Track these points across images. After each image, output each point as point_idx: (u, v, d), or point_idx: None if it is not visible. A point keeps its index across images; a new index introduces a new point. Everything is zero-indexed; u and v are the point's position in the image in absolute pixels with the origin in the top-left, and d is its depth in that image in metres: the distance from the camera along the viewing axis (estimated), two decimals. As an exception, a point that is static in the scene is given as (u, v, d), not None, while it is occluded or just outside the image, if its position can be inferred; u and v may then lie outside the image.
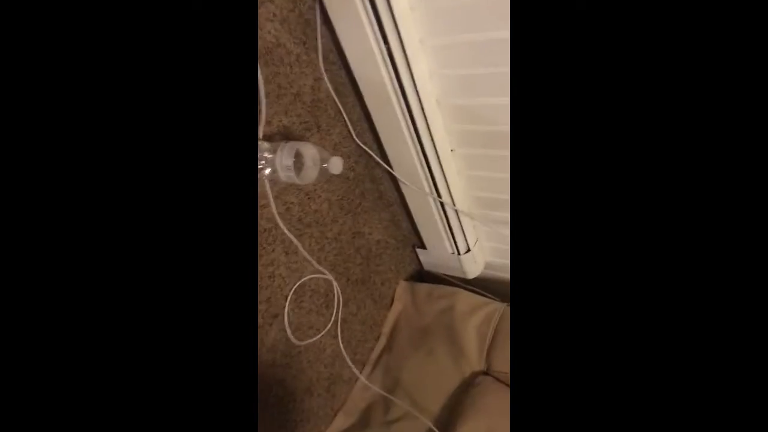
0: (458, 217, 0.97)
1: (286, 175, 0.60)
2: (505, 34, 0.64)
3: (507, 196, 0.90)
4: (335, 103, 0.82)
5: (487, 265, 1.12)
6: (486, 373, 0.90)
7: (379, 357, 1.01)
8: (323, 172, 0.63)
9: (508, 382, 0.86)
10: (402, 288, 1.09)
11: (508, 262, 1.08)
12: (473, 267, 1.08)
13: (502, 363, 0.88)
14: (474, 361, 0.90)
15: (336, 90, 0.81)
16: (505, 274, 1.13)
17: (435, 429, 0.79)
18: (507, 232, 0.98)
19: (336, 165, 0.63)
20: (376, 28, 0.69)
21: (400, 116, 0.80)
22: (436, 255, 1.10)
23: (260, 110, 0.68)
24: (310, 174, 0.62)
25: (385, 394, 0.88)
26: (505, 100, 0.72)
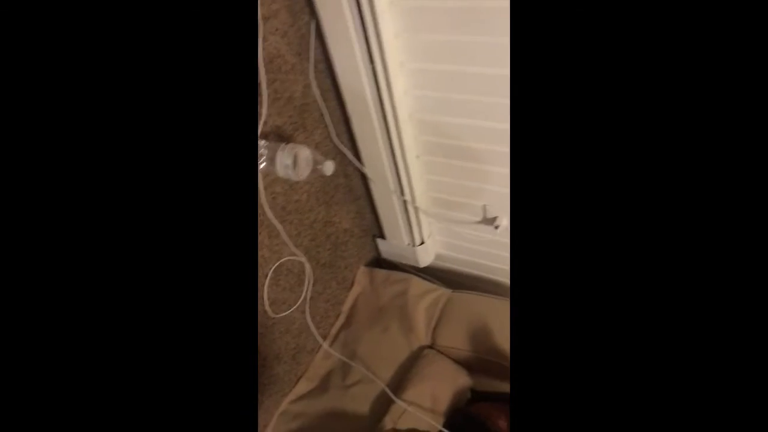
0: (416, 214, 1.12)
1: (284, 172, 0.71)
2: (474, 69, 0.78)
3: (460, 199, 1.06)
4: (320, 107, 0.93)
5: (438, 257, 1.29)
6: (431, 347, 1.06)
7: (339, 331, 1.15)
8: (315, 171, 0.75)
9: (450, 355, 1.03)
10: (362, 272, 1.22)
11: (456, 254, 1.25)
12: (425, 257, 1.24)
13: (445, 339, 1.05)
14: (422, 337, 1.06)
15: (322, 96, 0.92)
16: (453, 265, 1.30)
17: (387, 389, 0.94)
18: (458, 229, 1.15)
19: (329, 167, 0.75)
20: (364, 47, 0.81)
21: (375, 124, 0.93)
22: (393, 245, 1.24)
23: (261, 111, 0.78)
24: (304, 172, 0.73)
25: (345, 359, 1.02)
26: (468, 121, 0.87)
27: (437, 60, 0.82)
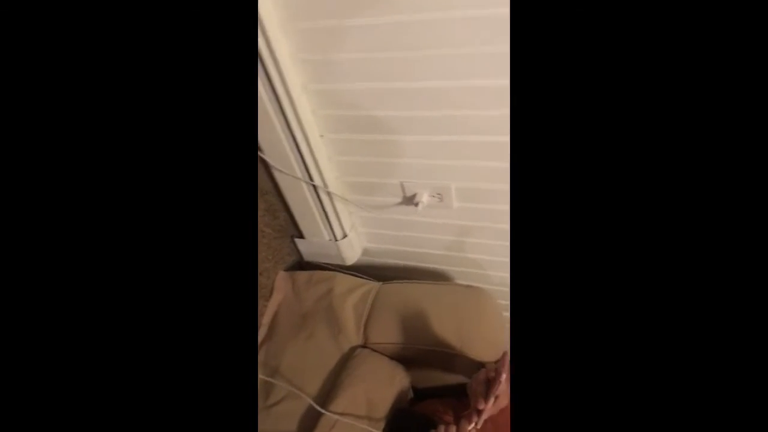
0: (332, 203, 1.01)
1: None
2: (361, 21, 0.70)
3: (375, 179, 0.97)
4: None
5: (365, 252, 1.18)
6: (364, 346, 0.94)
7: (260, 347, 1.00)
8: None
9: (386, 352, 0.92)
10: (281, 278, 1.09)
11: (384, 246, 1.15)
12: (351, 253, 1.13)
13: (378, 334, 0.93)
14: (352, 336, 0.94)
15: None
16: (382, 259, 1.20)
17: (314, 404, 0.81)
18: (380, 215, 1.05)
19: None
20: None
21: (266, 101, 0.82)
22: (314, 243, 1.13)
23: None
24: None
25: (266, 378, 0.88)
26: (367, 85, 0.79)
27: (324, 14, 0.73)
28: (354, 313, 0.97)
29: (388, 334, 0.93)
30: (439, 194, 0.93)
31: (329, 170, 0.97)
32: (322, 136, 0.92)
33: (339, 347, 0.94)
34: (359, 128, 0.88)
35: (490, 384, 0.64)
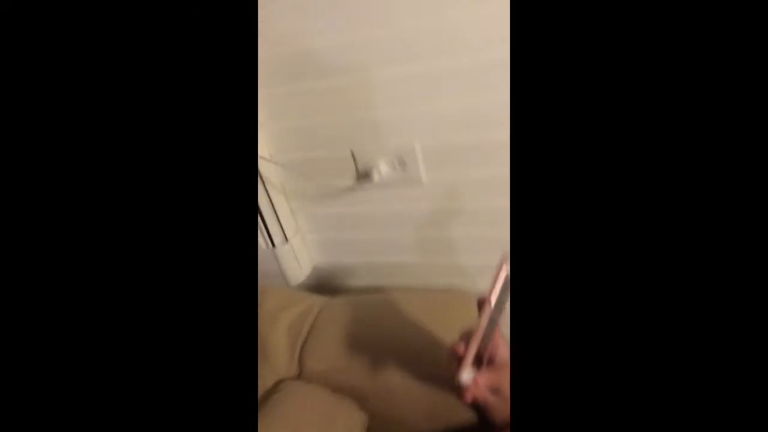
0: (267, 191, 0.77)
1: None
2: None
3: (321, 152, 0.74)
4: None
5: (316, 270, 0.91)
6: (299, 376, 0.64)
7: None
8: None
9: (327, 383, 0.61)
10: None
11: (339, 260, 0.89)
12: (295, 268, 0.86)
13: (318, 361, 0.64)
14: (280, 366, 0.64)
15: None
16: (339, 280, 0.92)
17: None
18: (334, 208, 0.81)
19: None
20: None
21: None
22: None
23: None
24: None
25: None
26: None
27: None
28: (287, 336, 0.68)
29: (334, 358, 0.63)
30: (400, 162, 0.70)
31: (261, 143, 0.75)
32: (246, 90, 0.71)
33: (262, 382, 0.63)
34: (295, 72, 0.67)
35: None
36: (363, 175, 0.74)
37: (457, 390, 0.42)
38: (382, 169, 0.71)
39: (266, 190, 0.78)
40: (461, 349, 0.41)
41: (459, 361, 0.41)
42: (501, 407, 0.44)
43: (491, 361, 0.42)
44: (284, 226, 0.82)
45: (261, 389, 0.62)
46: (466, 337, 0.42)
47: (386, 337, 0.64)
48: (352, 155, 0.72)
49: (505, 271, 0.42)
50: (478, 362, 0.41)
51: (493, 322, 0.42)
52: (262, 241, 0.83)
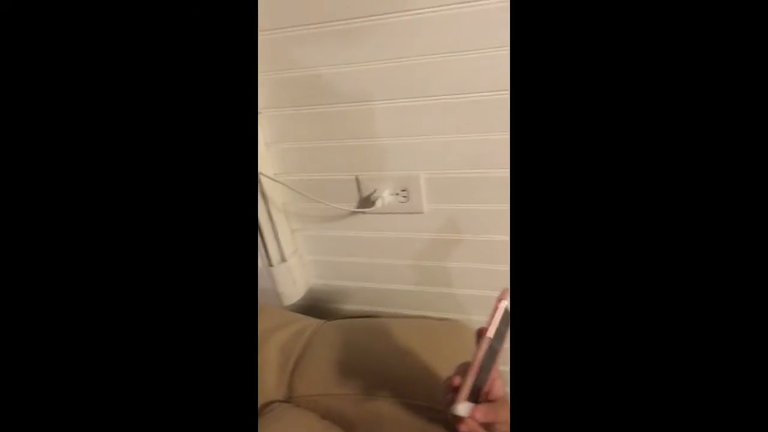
0: (268, 210, 0.78)
1: None
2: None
3: (327, 175, 0.75)
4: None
5: (311, 292, 0.91)
6: (288, 400, 0.63)
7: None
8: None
9: (316, 408, 0.61)
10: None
11: (336, 283, 0.89)
12: (291, 288, 0.86)
13: (309, 385, 0.63)
14: (270, 390, 0.64)
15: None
16: (333, 304, 0.92)
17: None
18: (334, 231, 0.81)
19: None
20: None
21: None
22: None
23: None
24: None
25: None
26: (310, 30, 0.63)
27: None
28: (279, 357, 0.68)
29: (324, 383, 0.62)
30: (404, 191, 0.71)
31: (266, 163, 0.76)
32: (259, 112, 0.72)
33: (248, 403, 0.62)
34: (303, 97, 0.69)
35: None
36: (365, 201, 0.75)
37: (451, 422, 0.42)
38: (385, 196, 0.72)
39: (267, 209, 0.79)
40: (457, 381, 0.41)
41: (454, 393, 0.41)
42: (493, 443, 0.44)
43: (486, 396, 0.42)
44: (282, 246, 0.82)
45: (248, 410, 0.61)
46: (463, 369, 0.42)
47: (379, 364, 0.63)
48: (357, 181, 0.73)
49: (504, 305, 0.43)
50: (474, 395, 0.41)
51: (490, 356, 0.42)
52: (259, 259, 0.83)
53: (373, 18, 0.59)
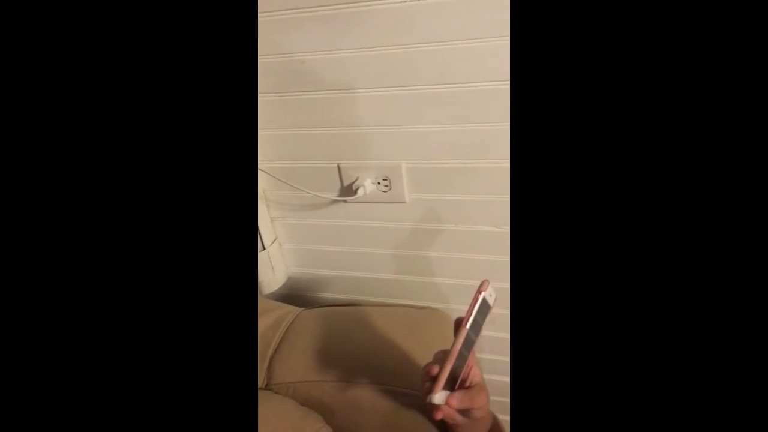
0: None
1: None
2: None
3: (310, 163, 0.75)
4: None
5: (291, 280, 0.91)
6: (266, 387, 0.63)
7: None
8: None
9: (295, 395, 0.61)
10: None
11: (315, 271, 0.89)
12: (270, 276, 0.85)
13: (288, 372, 0.63)
14: (249, 376, 0.63)
15: None
16: (312, 292, 0.92)
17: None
18: (315, 220, 0.81)
19: None
20: None
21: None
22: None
23: None
24: None
25: None
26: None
27: None
28: (258, 344, 0.67)
29: (303, 370, 0.63)
30: (385, 180, 0.72)
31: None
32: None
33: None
34: (286, 83, 0.68)
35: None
36: (347, 190, 0.75)
37: (429, 409, 0.42)
38: (367, 185, 0.72)
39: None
40: (435, 369, 0.42)
41: (432, 381, 0.42)
42: (469, 427, 0.45)
43: (464, 383, 0.43)
44: (263, 234, 0.82)
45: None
46: (441, 357, 0.43)
47: (358, 351, 0.64)
48: (338, 169, 0.73)
49: (483, 296, 0.44)
50: (451, 382, 0.42)
51: (468, 344, 0.43)
52: (238, 246, 0.83)
53: (359, 4, 0.59)
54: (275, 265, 0.85)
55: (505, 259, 0.73)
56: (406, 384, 0.58)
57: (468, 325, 0.43)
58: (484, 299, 0.44)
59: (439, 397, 0.41)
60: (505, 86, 0.59)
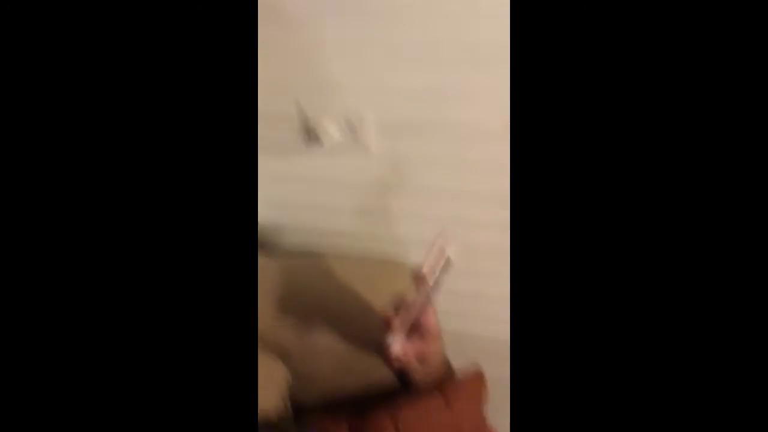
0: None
1: None
2: None
3: (266, 108, 0.71)
4: None
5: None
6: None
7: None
8: None
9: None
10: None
11: (275, 220, 0.87)
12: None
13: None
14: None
15: None
16: (273, 240, 0.90)
17: None
18: (271, 168, 0.78)
19: None
20: None
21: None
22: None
23: None
24: None
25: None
26: None
27: None
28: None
29: (261, 316, 0.62)
30: (350, 129, 0.69)
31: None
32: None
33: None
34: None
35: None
36: (309, 137, 0.72)
37: (385, 354, 0.44)
38: (330, 132, 0.70)
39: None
40: (393, 316, 0.42)
41: (389, 327, 0.42)
42: (423, 372, 0.47)
43: (418, 328, 0.44)
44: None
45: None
46: (398, 305, 0.44)
47: (318, 300, 0.64)
48: (303, 114, 0.70)
49: (440, 243, 0.44)
50: (409, 330, 0.43)
51: (426, 294, 0.44)
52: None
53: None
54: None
55: (469, 214, 0.74)
56: (364, 332, 0.59)
57: (427, 274, 0.43)
58: (440, 247, 0.44)
59: (394, 340, 0.42)
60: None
